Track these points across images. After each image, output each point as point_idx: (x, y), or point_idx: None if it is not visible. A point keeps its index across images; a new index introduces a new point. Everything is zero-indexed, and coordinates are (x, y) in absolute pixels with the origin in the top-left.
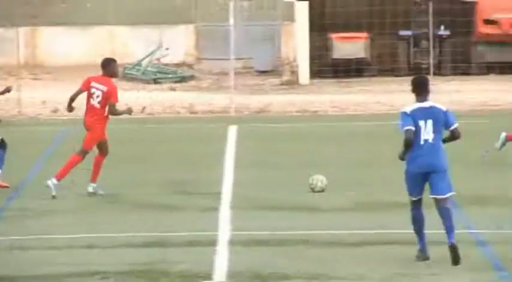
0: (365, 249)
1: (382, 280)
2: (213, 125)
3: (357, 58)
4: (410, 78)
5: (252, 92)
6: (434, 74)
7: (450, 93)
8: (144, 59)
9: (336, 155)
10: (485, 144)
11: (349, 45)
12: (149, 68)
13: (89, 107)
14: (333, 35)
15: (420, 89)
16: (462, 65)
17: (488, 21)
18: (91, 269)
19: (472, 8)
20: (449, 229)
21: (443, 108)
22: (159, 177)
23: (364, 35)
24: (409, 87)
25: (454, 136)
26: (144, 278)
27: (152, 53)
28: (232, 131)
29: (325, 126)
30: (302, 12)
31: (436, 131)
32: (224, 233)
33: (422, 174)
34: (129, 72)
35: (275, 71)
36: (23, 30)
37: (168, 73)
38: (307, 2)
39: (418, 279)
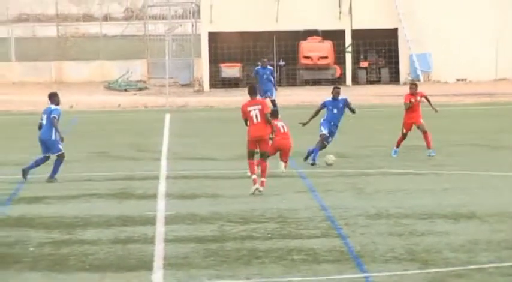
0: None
1: None
2: (157, 113)
3: (234, 77)
4: None
5: (178, 95)
6: (279, 85)
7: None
8: (119, 78)
9: (222, 129)
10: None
11: (230, 70)
12: (122, 83)
13: None
14: (222, 64)
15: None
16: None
17: (305, 57)
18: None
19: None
20: None
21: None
22: (129, 142)
23: (239, 64)
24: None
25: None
26: (119, 197)
27: (123, 75)
28: (167, 117)
29: (217, 113)
30: (204, 52)
31: None
32: (163, 172)
33: None
34: (111, 85)
35: (190, 84)
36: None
37: (132, 85)
38: (207, 46)
39: None
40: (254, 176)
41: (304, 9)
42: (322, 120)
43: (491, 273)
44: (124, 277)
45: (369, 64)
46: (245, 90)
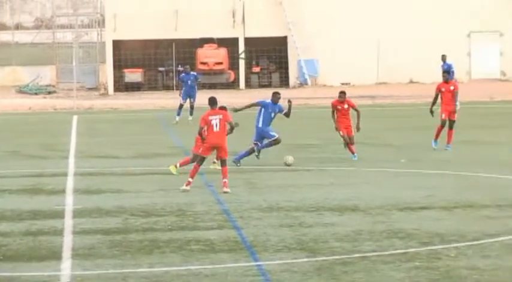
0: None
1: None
2: (65, 115)
3: (137, 81)
4: (166, 92)
5: (85, 98)
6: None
7: None
8: (30, 82)
9: (125, 129)
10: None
11: (133, 75)
12: (33, 87)
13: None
14: (125, 70)
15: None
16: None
17: (202, 62)
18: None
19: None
20: None
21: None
22: (39, 141)
23: (141, 69)
24: (166, 96)
25: None
26: (30, 193)
27: (34, 79)
28: (75, 118)
29: (121, 115)
30: (109, 58)
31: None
32: (71, 169)
33: None
34: (23, 89)
35: (96, 88)
36: None
37: (42, 89)
38: (111, 53)
39: None
40: (190, 179)
41: (201, 19)
42: (259, 125)
43: (374, 261)
44: (35, 266)
45: (260, 69)
46: (146, 94)
